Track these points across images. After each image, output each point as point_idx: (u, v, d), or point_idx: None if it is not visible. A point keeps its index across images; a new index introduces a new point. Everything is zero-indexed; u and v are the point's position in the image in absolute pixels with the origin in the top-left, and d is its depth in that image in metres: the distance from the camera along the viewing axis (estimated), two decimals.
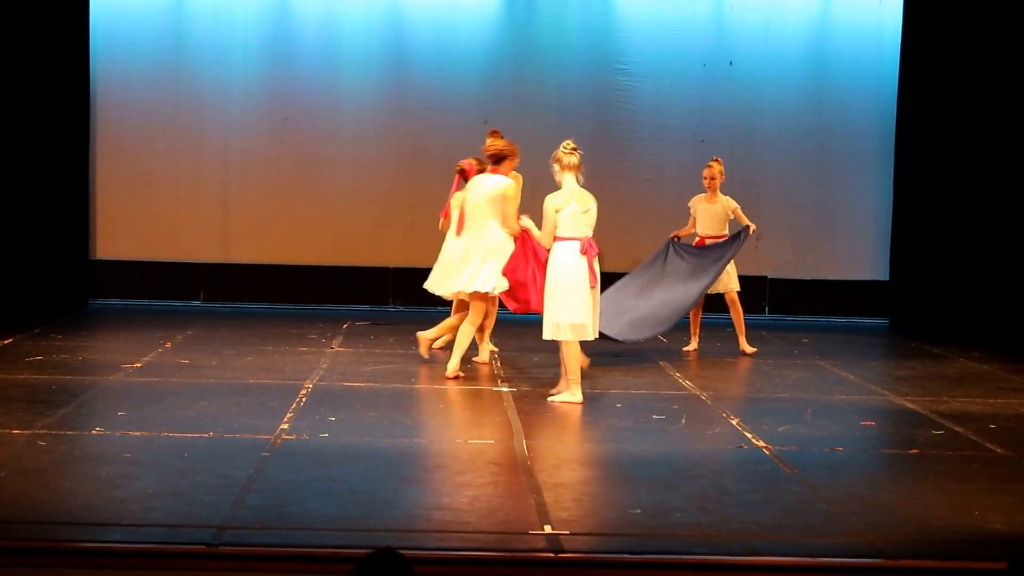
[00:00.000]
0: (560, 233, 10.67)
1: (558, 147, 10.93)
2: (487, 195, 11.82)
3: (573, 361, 10.79)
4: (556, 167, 10.86)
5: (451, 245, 12.18)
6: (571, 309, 10.65)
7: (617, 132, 16.56)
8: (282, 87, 16.46)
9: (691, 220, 13.98)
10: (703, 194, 13.92)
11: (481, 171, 12.27)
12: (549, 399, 10.85)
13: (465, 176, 12.54)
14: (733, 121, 16.60)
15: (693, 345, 13.97)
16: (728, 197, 13.92)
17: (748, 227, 13.62)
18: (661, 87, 16.66)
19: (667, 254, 13.92)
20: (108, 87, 16.25)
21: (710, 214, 13.86)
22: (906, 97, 16.36)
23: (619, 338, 13.05)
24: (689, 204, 14.04)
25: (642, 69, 16.67)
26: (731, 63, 16.75)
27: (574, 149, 10.82)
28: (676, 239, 13.97)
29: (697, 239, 13.94)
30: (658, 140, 16.72)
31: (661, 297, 13.67)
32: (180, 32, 16.40)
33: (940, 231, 16.00)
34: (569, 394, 10.80)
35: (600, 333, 11.27)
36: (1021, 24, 15.56)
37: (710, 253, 13.78)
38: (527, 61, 16.60)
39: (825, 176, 16.77)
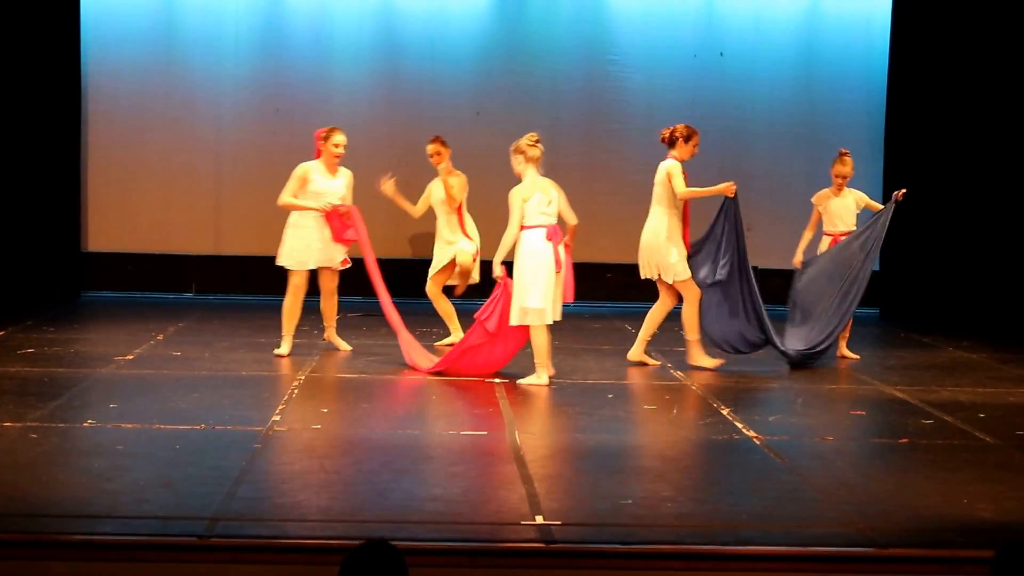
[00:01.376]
0: (527, 222, 11.06)
1: (520, 139, 11.27)
2: None
3: (541, 345, 11.06)
4: (520, 158, 11.28)
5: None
6: (537, 295, 10.98)
7: (608, 123, 16.58)
8: (274, 78, 16.46)
9: (813, 219, 13.29)
10: (827, 189, 13.16)
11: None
12: (518, 382, 11.02)
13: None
14: (724, 112, 16.61)
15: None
16: (855, 189, 13.20)
17: (893, 195, 12.90)
18: (652, 78, 16.67)
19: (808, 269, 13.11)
20: (99, 79, 16.24)
21: (843, 208, 13.08)
22: (895, 89, 16.42)
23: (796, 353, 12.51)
24: (813, 201, 13.24)
25: (633, 60, 16.69)
26: (722, 54, 16.77)
27: (537, 141, 11.28)
28: (803, 265, 13.23)
29: (830, 240, 13.12)
30: (649, 131, 16.61)
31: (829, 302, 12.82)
32: (171, 23, 16.39)
33: (930, 222, 16.02)
34: (535, 377, 11.07)
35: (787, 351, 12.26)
36: (1008, 17, 15.60)
37: (853, 242, 12.94)
38: (519, 52, 16.61)
39: (815, 167, 16.73)
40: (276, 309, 12.55)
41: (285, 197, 12.50)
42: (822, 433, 9.71)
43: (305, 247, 12.36)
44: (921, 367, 12.51)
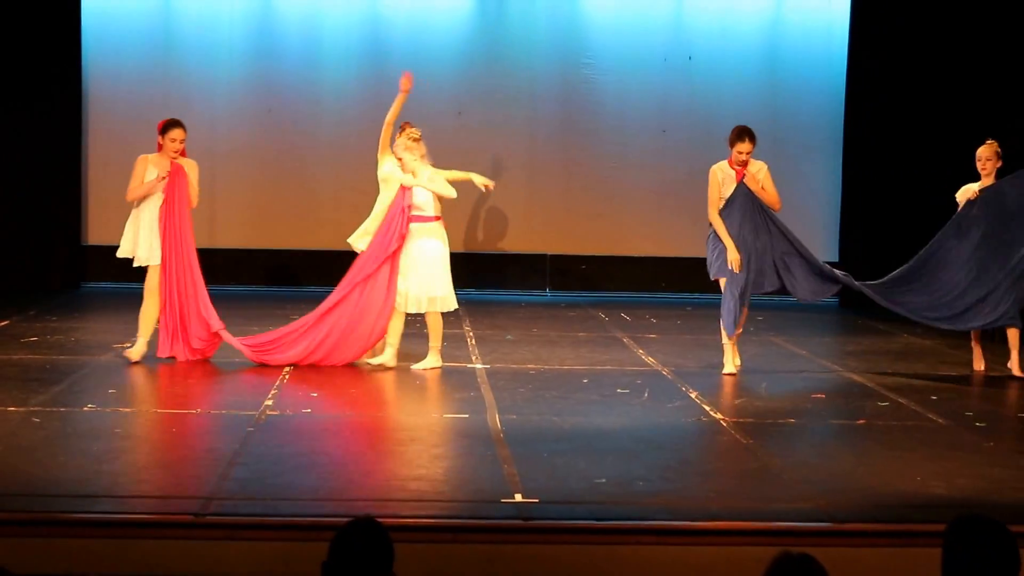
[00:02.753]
0: (435, 212, 11.13)
1: (404, 134, 11.37)
2: None
3: (436, 330, 11.11)
4: (416, 155, 11.22)
5: None
6: (444, 283, 11.10)
7: (583, 123, 16.55)
8: (265, 80, 16.41)
9: None
10: (972, 184, 11.57)
11: None
12: (412, 367, 11.00)
13: None
14: (692, 113, 16.60)
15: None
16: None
17: None
18: (624, 80, 16.64)
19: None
20: (99, 81, 16.18)
21: None
22: (853, 92, 16.43)
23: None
24: (957, 197, 11.69)
25: (606, 63, 16.67)
26: (690, 58, 16.76)
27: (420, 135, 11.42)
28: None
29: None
30: (621, 130, 16.72)
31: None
32: (168, 27, 16.34)
33: (884, 216, 16.06)
34: (431, 360, 11.08)
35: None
36: (959, 23, 15.70)
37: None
38: (498, 56, 16.58)
39: (778, 165, 16.60)
40: (267, 299, 12.56)
41: (130, 190, 11.23)
42: (785, 415, 9.72)
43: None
44: (878, 353, 12.55)
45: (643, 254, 16.71)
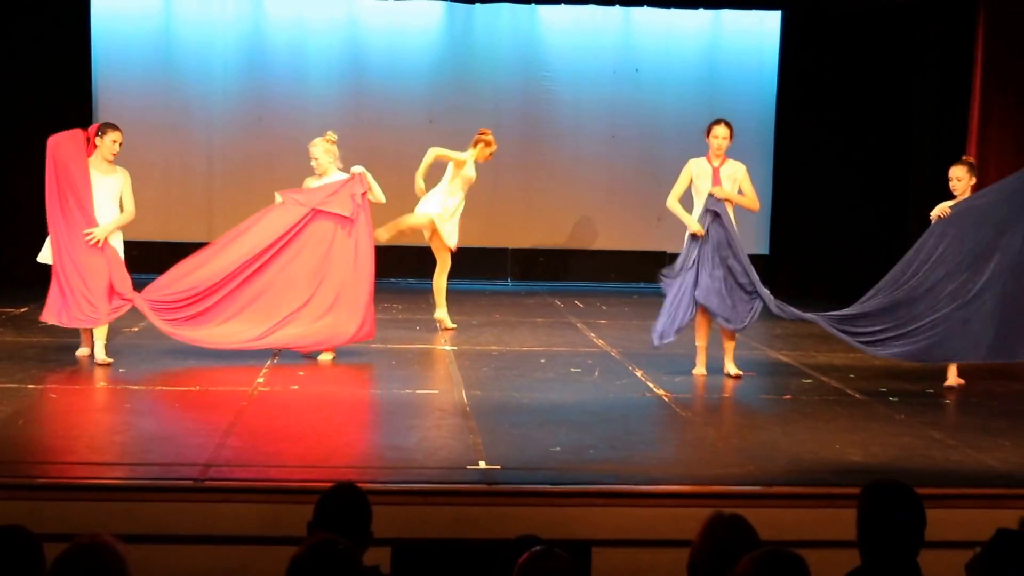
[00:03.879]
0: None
1: (322, 138, 10.89)
2: None
3: None
4: (333, 157, 10.85)
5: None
6: None
7: (541, 129, 16.57)
8: (257, 90, 16.35)
9: None
10: (946, 203, 10.00)
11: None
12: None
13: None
14: (638, 120, 16.62)
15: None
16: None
17: None
18: (578, 91, 16.65)
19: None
20: (108, 92, 16.09)
21: None
22: (783, 100, 16.49)
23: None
24: (931, 215, 10.13)
25: (562, 76, 16.67)
26: (637, 71, 16.77)
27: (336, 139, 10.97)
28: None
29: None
30: (576, 136, 16.74)
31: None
32: (169, 44, 16.26)
33: (811, 213, 16.14)
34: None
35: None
36: (876, 38, 15.81)
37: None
38: (466, 68, 16.57)
39: None
40: None
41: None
42: (719, 391, 9.79)
43: None
44: (802, 336, 12.58)
45: (595, 248, 16.78)
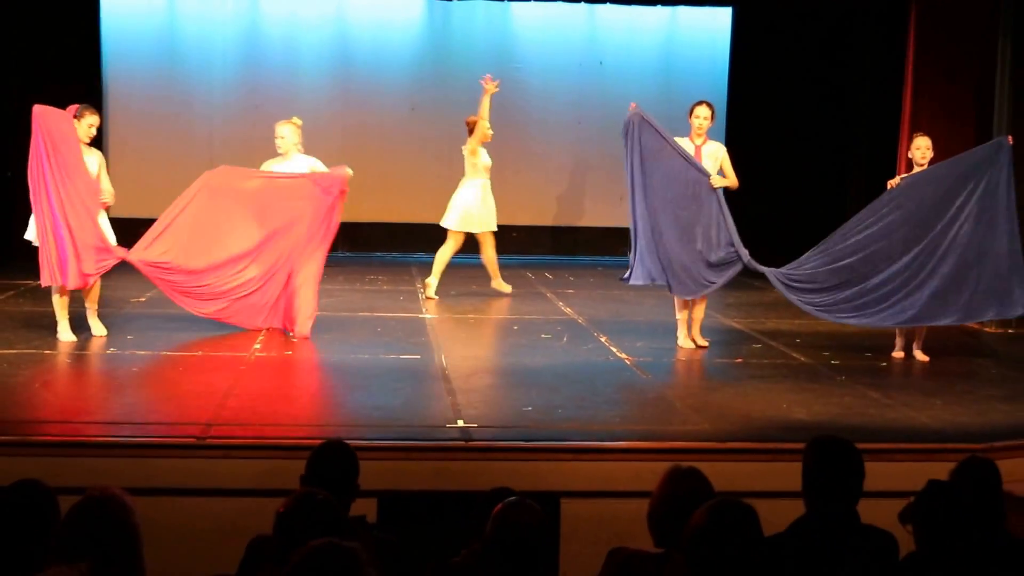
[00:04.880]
0: None
1: (290, 121, 10.70)
2: None
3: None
4: (297, 140, 10.68)
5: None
6: None
7: (514, 116, 16.49)
8: (254, 81, 16.26)
9: None
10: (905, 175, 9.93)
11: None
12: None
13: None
14: (602, 108, 16.56)
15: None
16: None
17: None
18: (547, 81, 16.62)
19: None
20: (116, 83, 15.99)
21: None
22: (733, 88, 16.53)
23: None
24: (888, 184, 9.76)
25: (532, 67, 16.64)
26: (601, 63, 16.76)
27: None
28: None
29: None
30: (544, 122, 16.71)
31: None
32: (173, 39, 16.16)
33: (760, 194, 16.12)
34: None
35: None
36: (818, 32, 15.82)
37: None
38: (444, 60, 16.52)
39: None
40: None
41: None
42: (677, 355, 9.79)
43: None
44: (753, 304, 12.62)
45: (563, 224, 16.77)
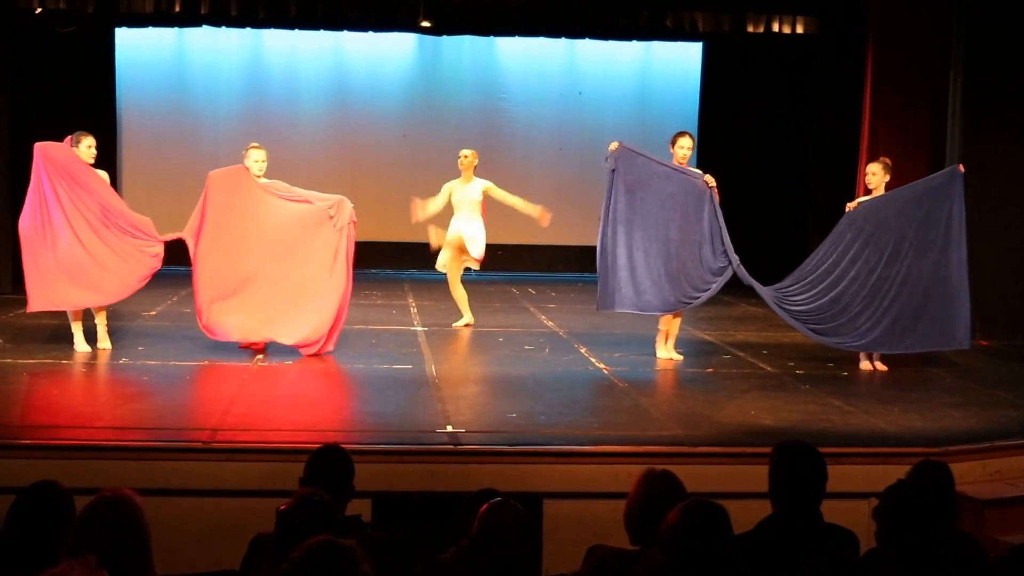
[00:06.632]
0: None
1: (253, 156, 10.11)
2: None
3: None
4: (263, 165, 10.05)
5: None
6: None
7: (499, 142, 16.51)
8: (256, 110, 16.26)
9: None
10: (863, 198, 9.78)
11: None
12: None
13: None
14: (581, 135, 16.62)
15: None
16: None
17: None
18: (530, 110, 16.66)
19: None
20: (130, 112, 15.98)
21: None
22: (704, 117, 16.56)
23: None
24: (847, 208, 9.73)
25: (516, 97, 16.68)
26: (580, 93, 16.80)
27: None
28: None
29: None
30: (528, 148, 16.73)
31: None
32: (182, 70, 16.17)
33: (728, 217, 16.14)
34: None
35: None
36: (782, 63, 15.86)
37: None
38: (434, 91, 16.55)
39: None
40: None
41: None
42: (652, 365, 9.78)
43: None
44: (723, 318, 12.64)
45: (545, 243, 16.76)
